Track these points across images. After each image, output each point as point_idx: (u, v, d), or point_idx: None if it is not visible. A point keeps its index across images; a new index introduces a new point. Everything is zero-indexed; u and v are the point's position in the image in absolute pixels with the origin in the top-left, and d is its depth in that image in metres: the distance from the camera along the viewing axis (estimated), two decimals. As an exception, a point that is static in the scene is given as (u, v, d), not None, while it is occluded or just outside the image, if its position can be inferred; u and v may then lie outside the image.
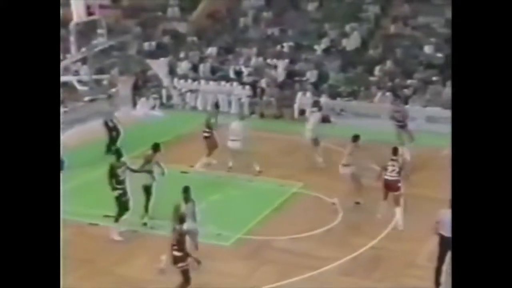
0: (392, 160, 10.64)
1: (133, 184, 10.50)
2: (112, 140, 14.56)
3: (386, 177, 10.56)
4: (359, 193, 11.29)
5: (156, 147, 11.11)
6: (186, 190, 9.43)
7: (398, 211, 10.60)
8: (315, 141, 13.43)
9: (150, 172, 10.75)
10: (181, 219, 8.46)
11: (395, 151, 10.75)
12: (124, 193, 10.30)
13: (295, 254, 9.31)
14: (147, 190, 10.78)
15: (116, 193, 10.25)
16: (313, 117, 13.86)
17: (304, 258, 9.55)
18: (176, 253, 8.35)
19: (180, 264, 8.34)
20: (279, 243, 10.13)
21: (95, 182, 12.80)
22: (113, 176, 10.24)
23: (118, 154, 10.59)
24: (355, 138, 11.50)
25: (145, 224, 10.82)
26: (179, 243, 8.31)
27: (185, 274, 8.34)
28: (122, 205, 10.30)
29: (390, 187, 10.57)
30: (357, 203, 11.29)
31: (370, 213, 10.90)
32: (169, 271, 8.74)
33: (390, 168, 10.57)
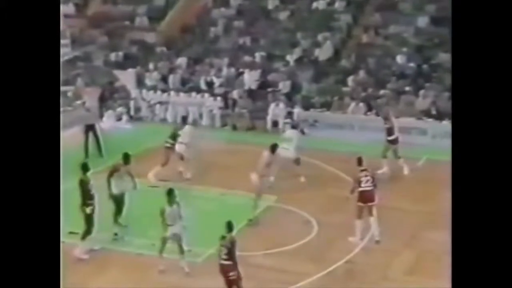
0: (362, 171, 10.77)
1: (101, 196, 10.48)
2: (87, 145, 14.84)
3: (362, 189, 10.66)
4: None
5: (126, 158, 11.09)
6: (170, 192, 9.55)
7: (373, 221, 10.73)
8: (297, 161, 13.34)
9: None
10: (230, 227, 8.69)
11: (360, 161, 10.89)
12: (93, 209, 10.21)
13: (269, 269, 9.35)
14: (119, 199, 10.77)
15: (88, 209, 10.13)
16: (293, 135, 13.67)
17: (279, 274, 9.60)
18: (226, 262, 8.41)
19: (231, 274, 8.44)
20: (253, 258, 10.15)
21: (63, 196, 12.62)
22: (84, 191, 10.13)
23: (85, 168, 10.48)
24: (273, 148, 11.65)
25: (115, 234, 10.77)
26: (230, 252, 8.39)
27: (235, 283, 8.38)
28: (91, 222, 10.18)
29: (367, 198, 10.65)
30: (250, 220, 11.31)
31: (346, 227, 11.02)
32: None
33: (364, 179, 10.71)
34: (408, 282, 9.48)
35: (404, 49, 19.37)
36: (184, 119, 15.86)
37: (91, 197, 10.15)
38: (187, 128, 13.64)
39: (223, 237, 8.71)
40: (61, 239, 10.50)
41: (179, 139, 13.27)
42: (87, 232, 10.23)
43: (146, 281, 9.66)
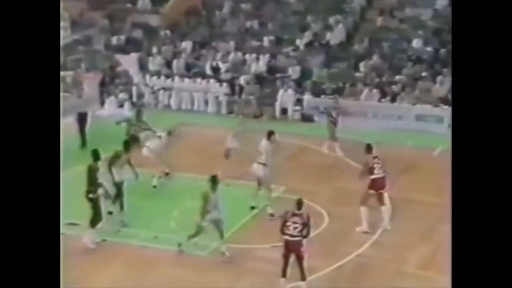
0: (374, 157, 10.74)
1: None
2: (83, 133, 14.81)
3: (374, 176, 10.63)
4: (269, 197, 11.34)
5: (127, 145, 11.11)
6: (213, 179, 9.63)
7: (385, 210, 10.69)
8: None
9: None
10: (299, 203, 8.75)
11: (369, 148, 10.83)
12: (99, 197, 10.27)
13: (277, 263, 9.30)
14: (119, 187, 10.88)
15: (94, 196, 10.19)
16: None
17: (291, 267, 9.55)
18: (297, 238, 8.60)
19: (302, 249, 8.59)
20: (260, 251, 10.14)
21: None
22: (91, 179, 10.19)
23: (96, 155, 10.51)
24: (269, 135, 11.53)
25: (122, 221, 10.93)
26: (304, 228, 8.61)
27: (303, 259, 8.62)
28: (98, 209, 10.24)
29: (379, 185, 10.64)
30: (271, 215, 11.16)
31: (357, 219, 10.97)
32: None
33: (376, 167, 10.66)
34: (423, 278, 9.42)
35: (421, 33, 19.19)
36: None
37: (98, 185, 10.21)
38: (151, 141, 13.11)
39: (294, 214, 8.71)
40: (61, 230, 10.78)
41: (147, 144, 12.87)
42: (96, 219, 10.27)
43: (149, 274, 9.67)
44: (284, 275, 8.87)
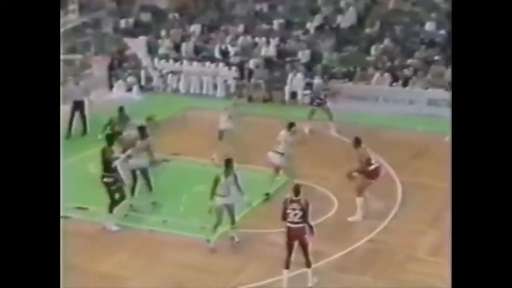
0: (365, 148, 10.61)
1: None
2: (72, 123, 14.54)
3: (373, 166, 10.51)
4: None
5: (142, 132, 11.03)
6: (228, 163, 9.59)
7: (362, 202, 10.63)
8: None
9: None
10: (296, 189, 8.68)
11: (358, 141, 10.63)
12: (115, 181, 10.25)
13: (285, 247, 9.26)
14: (143, 173, 10.88)
15: (106, 180, 10.21)
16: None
17: (295, 252, 9.54)
18: (300, 225, 8.53)
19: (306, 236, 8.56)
20: (269, 236, 10.11)
21: (69, 170, 12.69)
22: (105, 163, 10.20)
23: (110, 139, 10.50)
24: (290, 126, 11.40)
25: (131, 206, 10.94)
26: (304, 215, 8.54)
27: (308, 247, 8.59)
28: (113, 194, 10.27)
29: (377, 174, 10.57)
30: (266, 194, 11.26)
31: (368, 204, 10.91)
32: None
33: (371, 157, 10.59)
34: (434, 263, 9.37)
35: (434, 16, 18.93)
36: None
37: (111, 170, 10.21)
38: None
39: (292, 201, 8.61)
40: (69, 214, 10.83)
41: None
42: (113, 203, 10.29)
43: (158, 258, 9.69)
44: (287, 266, 8.67)
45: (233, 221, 9.87)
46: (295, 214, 8.59)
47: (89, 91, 15.33)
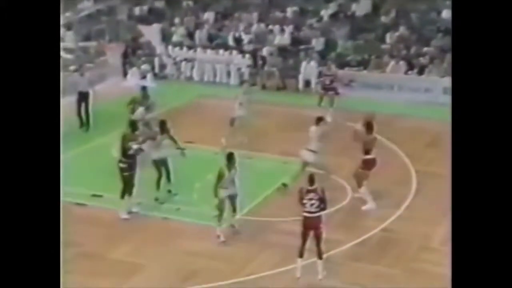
0: (375, 139, 10.57)
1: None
2: (81, 114, 14.42)
3: (370, 156, 10.44)
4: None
5: (162, 126, 11.05)
6: (230, 156, 9.59)
7: (366, 191, 10.58)
8: (231, 122, 12.76)
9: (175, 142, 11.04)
10: (311, 179, 8.72)
11: (369, 127, 10.55)
12: (129, 167, 10.27)
13: (299, 236, 9.28)
14: (159, 165, 10.86)
15: (121, 165, 10.25)
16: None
17: (312, 241, 9.53)
18: (316, 215, 8.59)
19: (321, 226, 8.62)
20: (283, 225, 10.12)
21: (82, 158, 12.80)
22: (124, 148, 10.23)
23: (133, 126, 10.51)
24: (318, 120, 11.19)
25: (156, 199, 10.93)
26: (321, 204, 8.59)
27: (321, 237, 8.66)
28: (126, 179, 10.28)
29: (372, 165, 10.50)
30: (284, 184, 11.11)
31: (381, 193, 10.87)
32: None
33: (373, 148, 10.49)
34: (448, 253, 9.30)
35: (451, 3, 18.66)
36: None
37: (128, 157, 10.23)
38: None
39: (308, 191, 8.61)
40: (84, 202, 10.92)
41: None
42: (125, 191, 10.32)
43: (171, 246, 9.75)
44: (301, 255, 8.72)
45: (234, 210, 9.89)
46: (312, 204, 8.59)
47: (101, 80, 15.13)
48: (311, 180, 8.72)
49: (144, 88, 13.26)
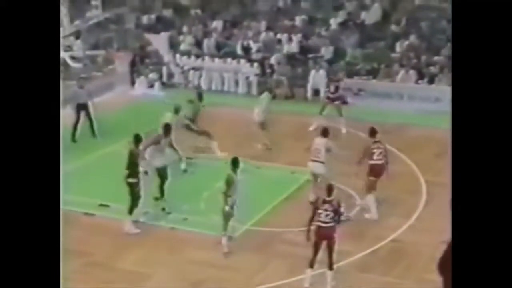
0: (375, 142, 10.56)
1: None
2: (76, 127, 14.38)
3: (373, 162, 10.47)
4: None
5: (167, 129, 11.14)
6: (235, 162, 9.67)
7: (372, 197, 10.57)
8: (262, 125, 13.34)
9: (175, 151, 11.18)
10: (329, 189, 8.73)
11: (373, 132, 10.63)
12: (138, 182, 10.34)
13: (306, 246, 9.30)
14: (161, 173, 10.90)
15: (131, 180, 10.24)
16: (264, 96, 13.92)
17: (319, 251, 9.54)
18: (329, 225, 8.59)
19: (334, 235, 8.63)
20: (291, 235, 10.13)
21: (91, 168, 12.89)
22: (131, 163, 10.27)
23: (137, 140, 10.51)
24: (324, 131, 11.11)
25: (163, 209, 10.92)
26: (335, 215, 8.61)
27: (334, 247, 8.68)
28: (136, 195, 10.31)
29: (378, 172, 10.50)
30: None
31: (391, 203, 10.87)
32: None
33: (376, 151, 10.51)
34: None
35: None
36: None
37: (136, 171, 10.28)
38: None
39: (325, 201, 8.63)
40: (92, 211, 10.97)
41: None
42: (134, 205, 10.34)
43: (178, 256, 9.78)
44: (312, 265, 8.71)
45: (232, 214, 9.82)
46: (327, 215, 8.60)
47: (93, 94, 14.78)
48: (330, 190, 8.72)
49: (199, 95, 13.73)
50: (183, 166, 12.25)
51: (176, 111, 12.73)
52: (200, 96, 13.63)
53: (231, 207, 9.65)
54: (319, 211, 8.61)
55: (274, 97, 14.23)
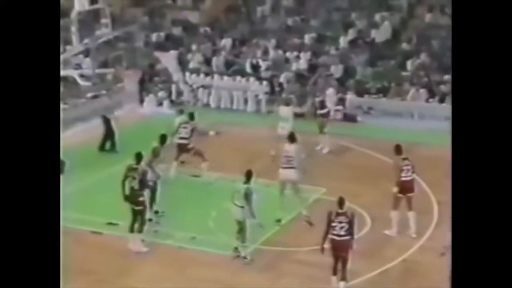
0: (404, 159, 10.75)
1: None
2: (107, 137, 14.78)
3: (402, 178, 10.62)
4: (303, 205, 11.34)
5: (163, 139, 11.31)
6: (251, 175, 9.95)
7: (412, 216, 10.70)
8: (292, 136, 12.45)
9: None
10: (341, 202, 8.89)
11: (398, 149, 10.85)
12: (145, 199, 10.44)
13: (317, 266, 9.31)
14: (153, 186, 11.06)
15: (142, 199, 10.33)
16: (288, 112, 14.32)
17: (327, 272, 9.53)
18: (345, 238, 8.75)
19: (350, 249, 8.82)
20: (300, 254, 10.15)
21: (98, 186, 12.98)
22: (141, 181, 10.33)
23: (138, 158, 10.60)
24: (292, 137, 11.48)
25: (150, 220, 11.01)
26: (350, 227, 8.78)
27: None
28: (141, 214, 10.34)
29: (407, 188, 10.64)
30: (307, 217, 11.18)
31: (402, 222, 10.86)
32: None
33: (405, 169, 10.68)
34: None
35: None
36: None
37: (145, 188, 10.41)
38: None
39: (338, 214, 8.80)
40: (100, 230, 11.03)
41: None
42: (143, 223, 10.38)
43: (186, 275, 9.81)
44: (335, 272, 8.91)
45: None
46: (342, 227, 8.79)
47: (118, 107, 15.50)
48: (341, 203, 8.91)
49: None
50: (172, 172, 12.40)
51: (181, 112, 12.99)
52: (191, 116, 13.53)
53: (249, 217, 9.81)
54: (334, 224, 8.80)
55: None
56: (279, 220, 11.25)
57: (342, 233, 8.75)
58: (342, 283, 8.86)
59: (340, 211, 8.86)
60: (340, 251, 8.78)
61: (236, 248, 10.07)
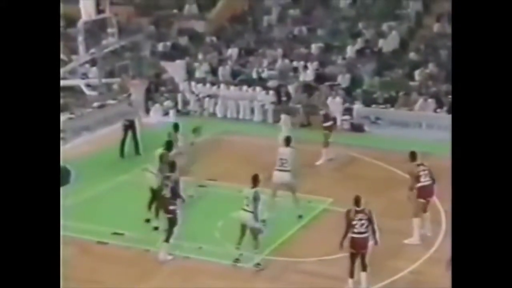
0: (419, 165, 10.93)
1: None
2: (125, 142, 15.06)
3: (421, 184, 10.79)
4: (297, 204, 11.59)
5: (169, 146, 11.48)
6: (255, 177, 10.20)
7: (427, 217, 10.98)
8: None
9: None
10: (357, 200, 9.28)
11: (413, 156, 11.06)
12: (177, 208, 10.52)
13: (324, 277, 9.36)
14: (155, 192, 11.19)
15: (172, 207, 10.44)
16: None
17: (335, 282, 9.58)
18: (365, 235, 9.20)
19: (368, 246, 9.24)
20: (307, 265, 10.19)
21: (103, 196, 13.09)
22: (172, 189, 10.50)
23: (172, 166, 10.84)
24: (288, 140, 11.92)
25: (156, 228, 11.14)
26: (369, 224, 9.20)
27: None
28: (175, 222, 10.45)
29: (427, 193, 10.83)
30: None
31: (410, 233, 10.89)
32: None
33: (422, 174, 10.85)
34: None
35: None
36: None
37: (178, 195, 10.55)
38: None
39: (357, 212, 9.13)
40: (105, 240, 11.11)
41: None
42: (171, 232, 10.44)
43: (192, 285, 9.86)
44: (352, 275, 9.21)
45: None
46: (362, 224, 9.20)
47: (146, 111, 15.81)
48: (358, 201, 9.26)
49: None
50: (191, 191, 12.42)
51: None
52: (176, 127, 13.36)
53: (259, 222, 10.00)
54: (354, 222, 9.14)
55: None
56: (300, 216, 11.56)
57: (363, 230, 9.15)
58: (363, 274, 9.20)
59: (358, 208, 9.20)
60: (361, 248, 9.16)
61: (237, 259, 10.16)
